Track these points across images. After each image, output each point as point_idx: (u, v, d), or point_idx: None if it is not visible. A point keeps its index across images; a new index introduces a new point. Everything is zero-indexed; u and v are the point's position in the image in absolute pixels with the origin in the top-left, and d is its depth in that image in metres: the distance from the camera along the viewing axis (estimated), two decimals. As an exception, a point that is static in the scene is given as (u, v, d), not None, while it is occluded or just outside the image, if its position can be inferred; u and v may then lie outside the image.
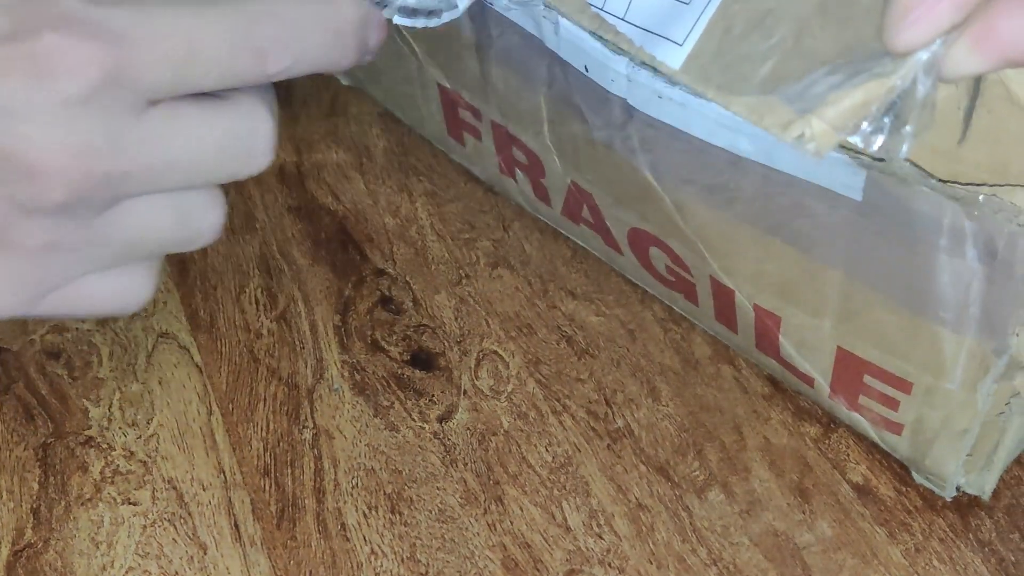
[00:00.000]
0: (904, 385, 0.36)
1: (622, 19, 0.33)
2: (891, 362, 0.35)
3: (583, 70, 0.36)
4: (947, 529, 0.37)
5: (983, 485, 0.38)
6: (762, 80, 0.30)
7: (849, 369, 0.37)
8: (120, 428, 0.39)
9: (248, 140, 0.27)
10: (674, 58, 0.32)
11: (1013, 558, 0.37)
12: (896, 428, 0.37)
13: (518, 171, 0.45)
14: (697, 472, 0.39)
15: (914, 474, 0.38)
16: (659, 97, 0.34)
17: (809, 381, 0.39)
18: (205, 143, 0.26)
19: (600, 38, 0.34)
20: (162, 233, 0.27)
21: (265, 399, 0.41)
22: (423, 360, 0.42)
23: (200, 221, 0.28)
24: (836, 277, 0.35)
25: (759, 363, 0.42)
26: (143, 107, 0.25)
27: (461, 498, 0.38)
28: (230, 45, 0.25)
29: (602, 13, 0.34)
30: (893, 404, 0.37)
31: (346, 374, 0.42)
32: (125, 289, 0.28)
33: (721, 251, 0.38)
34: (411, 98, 0.49)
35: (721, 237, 0.37)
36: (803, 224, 0.34)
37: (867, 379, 0.37)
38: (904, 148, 0.27)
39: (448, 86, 0.46)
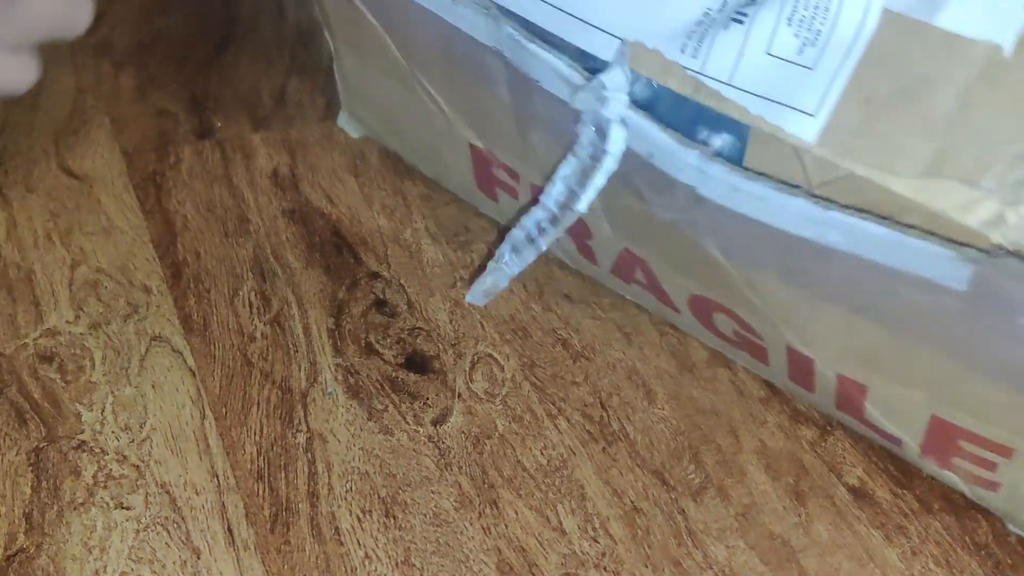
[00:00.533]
0: (1004, 451, 0.34)
1: (727, 84, 0.30)
2: (990, 430, 0.34)
3: (646, 156, 0.32)
4: (943, 532, 0.37)
5: None
6: (928, 159, 0.27)
7: (943, 435, 0.35)
8: (113, 432, 0.39)
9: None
10: (806, 130, 0.28)
11: (1009, 560, 0.36)
12: (992, 486, 0.36)
13: None
14: (693, 475, 0.39)
15: (1009, 525, 0.37)
16: (735, 191, 0.30)
17: (896, 441, 0.37)
18: None
19: (670, 129, 0.30)
20: (52, 21, 0.35)
21: (259, 403, 0.40)
22: (417, 363, 0.42)
23: (79, 12, 0.36)
24: (932, 355, 0.32)
25: (837, 419, 0.40)
26: None
27: (456, 502, 0.38)
28: None
29: (700, 77, 0.30)
30: (990, 466, 0.35)
31: (340, 377, 0.41)
32: (20, 70, 0.36)
33: (799, 326, 0.35)
34: (436, 152, 0.46)
35: (799, 314, 0.34)
36: (895, 306, 0.31)
37: (963, 444, 0.35)
38: None
39: (481, 146, 0.43)
